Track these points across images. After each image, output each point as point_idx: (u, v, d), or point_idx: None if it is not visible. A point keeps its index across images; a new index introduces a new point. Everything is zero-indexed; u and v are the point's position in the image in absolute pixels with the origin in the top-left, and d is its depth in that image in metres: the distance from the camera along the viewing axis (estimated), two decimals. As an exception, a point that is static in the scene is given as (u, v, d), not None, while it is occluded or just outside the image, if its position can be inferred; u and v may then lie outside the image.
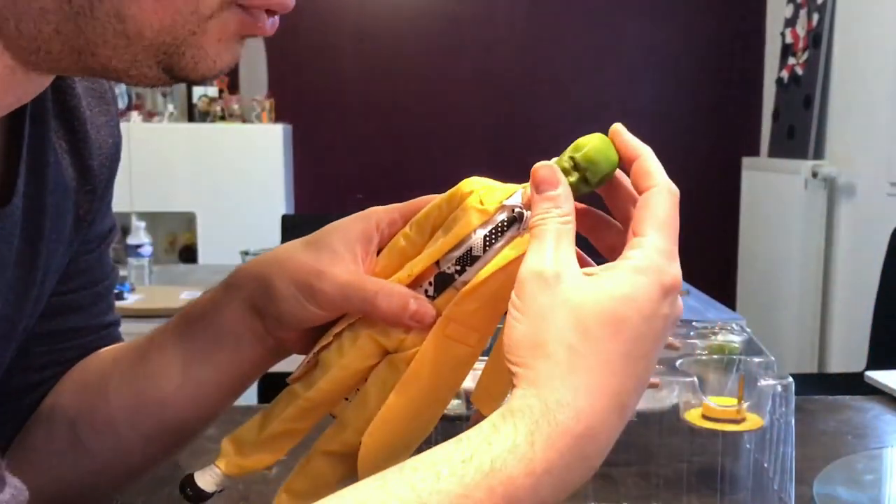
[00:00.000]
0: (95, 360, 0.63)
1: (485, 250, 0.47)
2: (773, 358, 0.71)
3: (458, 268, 0.48)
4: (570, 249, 0.43)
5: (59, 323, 0.61)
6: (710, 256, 3.91)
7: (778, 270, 3.37)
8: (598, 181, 0.47)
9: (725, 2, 3.91)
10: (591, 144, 0.47)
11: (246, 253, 2.55)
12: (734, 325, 0.87)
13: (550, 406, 0.39)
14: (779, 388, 0.66)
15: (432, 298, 0.49)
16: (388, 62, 3.92)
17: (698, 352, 0.84)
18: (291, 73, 3.88)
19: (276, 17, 0.44)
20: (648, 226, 0.43)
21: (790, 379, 0.67)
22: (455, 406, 0.76)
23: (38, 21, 0.39)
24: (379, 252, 0.53)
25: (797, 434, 0.67)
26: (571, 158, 0.47)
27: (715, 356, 0.79)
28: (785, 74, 3.54)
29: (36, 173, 0.51)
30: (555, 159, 0.48)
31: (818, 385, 2.46)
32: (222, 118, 3.68)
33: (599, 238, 0.50)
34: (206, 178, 3.59)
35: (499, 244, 0.46)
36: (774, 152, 3.59)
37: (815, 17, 3.29)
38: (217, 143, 3.62)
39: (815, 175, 3.12)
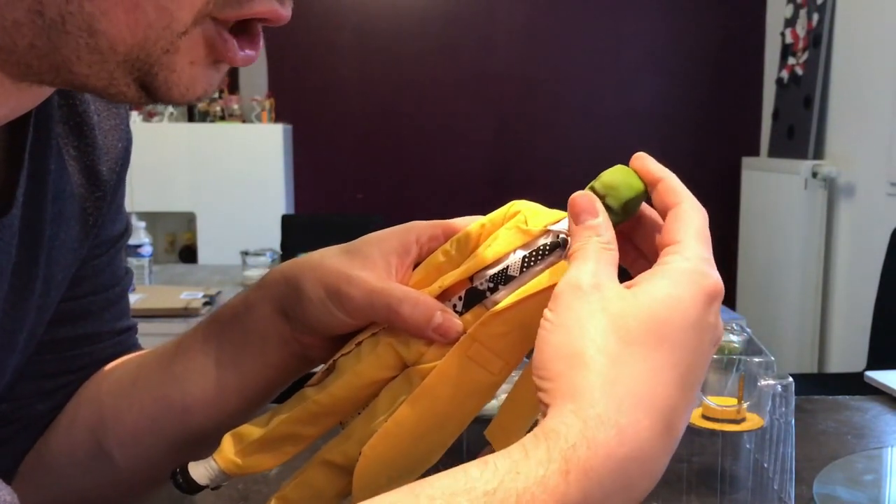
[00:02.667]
0: (117, 369, 0.63)
1: (521, 272, 0.45)
2: (772, 358, 0.71)
3: (492, 285, 0.46)
4: (611, 269, 0.41)
5: (69, 330, 0.60)
6: (710, 256, 3.91)
7: (778, 270, 3.37)
8: (622, 207, 0.45)
9: (725, 2, 3.91)
10: (609, 171, 0.45)
11: (246, 253, 2.54)
12: (734, 325, 0.87)
13: (589, 423, 0.35)
14: (779, 388, 0.66)
15: (460, 314, 0.47)
16: (388, 62, 3.92)
17: (698, 352, 0.84)
18: (291, 73, 3.88)
19: (254, 51, 0.42)
20: (685, 233, 0.41)
21: (790, 379, 0.67)
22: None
23: (13, 34, 0.38)
24: (416, 267, 0.51)
25: (797, 434, 0.67)
26: (591, 188, 0.45)
27: (715, 356, 0.79)
28: (785, 74, 3.55)
29: (36, 180, 0.51)
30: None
31: (818, 385, 2.46)
32: (222, 118, 3.68)
33: (632, 267, 0.48)
34: (206, 178, 3.59)
35: (537, 267, 0.44)
36: (774, 152, 3.59)
37: (815, 17, 3.29)
38: (217, 143, 3.62)
39: (814, 175, 3.12)
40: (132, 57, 0.39)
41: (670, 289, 0.39)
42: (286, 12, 0.42)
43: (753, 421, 0.66)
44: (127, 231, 0.64)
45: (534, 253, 0.45)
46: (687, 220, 0.42)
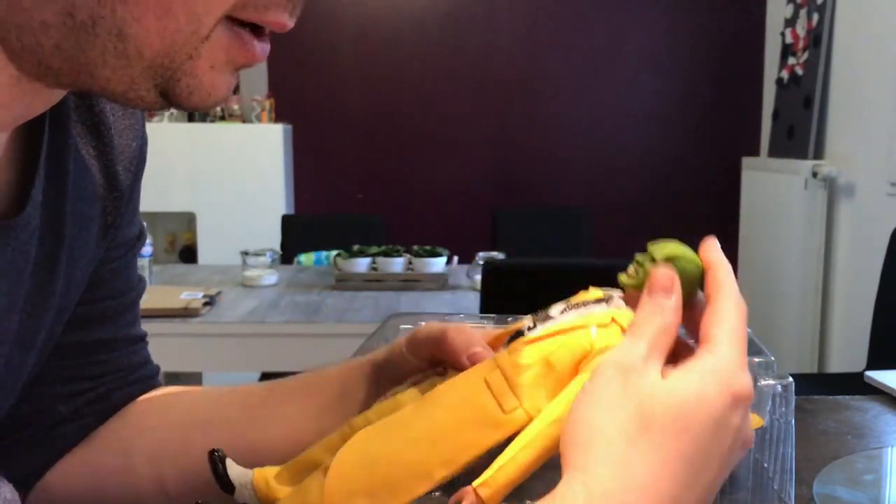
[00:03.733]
0: (182, 401, 0.65)
1: (560, 313, 0.46)
2: (772, 358, 0.71)
3: (531, 325, 0.46)
4: (661, 357, 0.42)
5: (86, 334, 0.61)
6: (710, 256, 3.91)
7: (778, 270, 3.37)
8: (683, 278, 0.44)
9: (725, 2, 3.91)
10: (672, 245, 0.45)
11: (246, 253, 2.55)
12: (734, 325, 0.87)
13: (594, 497, 0.37)
14: (779, 388, 0.66)
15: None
16: (388, 62, 3.92)
17: (698, 352, 0.84)
18: (291, 73, 3.88)
19: (267, 44, 0.43)
20: (721, 331, 0.42)
21: (790, 379, 0.67)
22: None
23: (39, 34, 0.39)
24: None
25: (797, 434, 0.67)
26: (651, 256, 0.45)
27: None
28: (785, 74, 3.55)
29: (55, 182, 0.51)
30: (638, 255, 0.46)
31: (818, 385, 2.46)
32: (222, 118, 3.68)
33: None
34: (206, 178, 3.59)
35: (576, 311, 0.45)
36: (774, 152, 3.59)
37: (815, 17, 3.29)
38: (217, 143, 3.62)
39: (815, 175, 3.13)
40: (156, 63, 0.40)
41: (698, 386, 0.40)
42: (291, 24, 0.43)
43: (753, 421, 0.66)
44: (142, 235, 0.65)
45: (578, 302, 0.46)
46: (724, 318, 0.43)
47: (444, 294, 2.41)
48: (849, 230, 3.12)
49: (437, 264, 2.49)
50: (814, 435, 0.96)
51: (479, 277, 2.07)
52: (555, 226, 3.43)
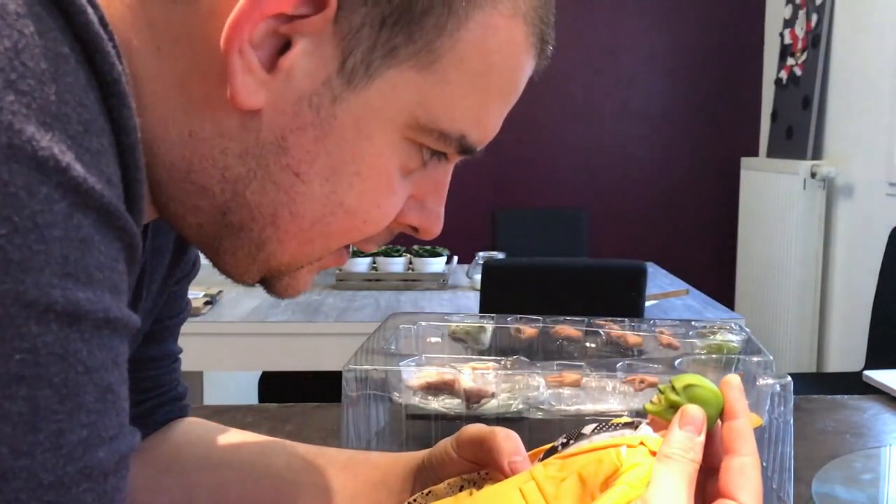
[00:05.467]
0: (235, 444, 0.66)
1: (592, 433, 0.48)
2: (771, 357, 0.71)
3: (565, 441, 0.49)
4: (688, 493, 0.43)
5: (141, 351, 0.63)
6: (708, 256, 3.92)
7: (776, 270, 3.37)
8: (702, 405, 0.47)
9: (725, 3, 3.91)
10: (696, 384, 0.48)
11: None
12: (733, 325, 0.88)
13: None
14: (777, 388, 0.67)
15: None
16: (387, 62, 3.92)
17: (697, 351, 0.84)
18: (291, 73, 3.88)
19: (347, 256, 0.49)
20: (746, 493, 0.44)
21: (789, 378, 0.67)
22: (455, 405, 0.77)
23: (188, 214, 0.43)
24: None
25: (795, 433, 0.68)
26: (675, 391, 0.48)
27: (714, 355, 0.80)
28: (784, 75, 3.55)
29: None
30: (663, 386, 0.49)
31: (816, 384, 2.47)
32: (222, 118, 3.69)
33: None
34: (205, 177, 3.60)
35: (607, 433, 0.48)
36: (773, 152, 3.60)
37: (814, 17, 3.30)
38: (217, 142, 3.62)
39: (813, 175, 3.13)
40: (274, 267, 0.45)
41: None
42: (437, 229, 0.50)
43: (752, 420, 0.66)
44: (198, 261, 0.68)
45: (608, 423, 0.48)
46: (750, 478, 0.45)
47: (444, 294, 2.42)
48: (847, 230, 3.12)
49: (437, 264, 2.49)
50: (812, 434, 0.97)
51: (478, 277, 2.07)
52: (555, 226, 3.43)
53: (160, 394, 0.67)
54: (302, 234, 0.43)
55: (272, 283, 0.46)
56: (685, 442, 0.44)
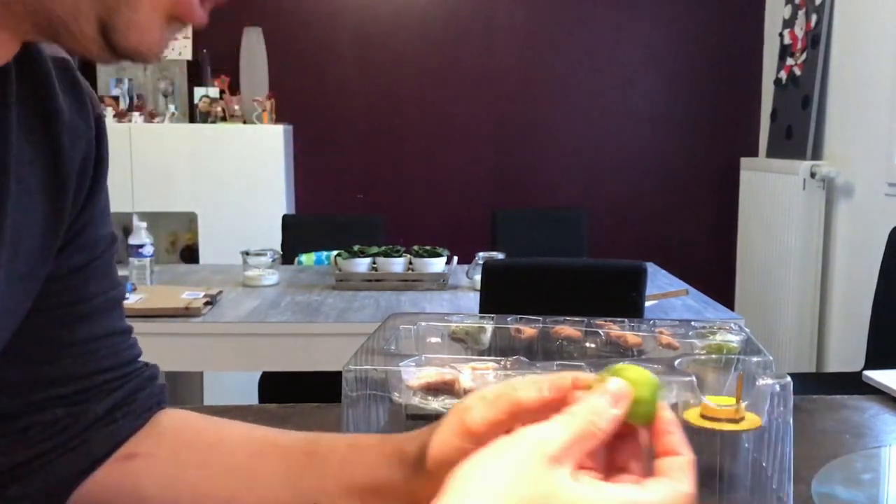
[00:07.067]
0: (225, 444, 0.65)
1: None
2: (771, 357, 0.71)
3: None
4: (577, 455, 0.42)
5: (87, 330, 0.62)
6: (708, 256, 3.92)
7: (776, 270, 3.37)
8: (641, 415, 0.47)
9: (724, 3, 3.91)
10: (635, 369, 0.47)
11: (247, 253, 2.55)
12: (732, 325, 0.88)
13: None
14: (777, 388, 0.67)
15: None
16: (388, 62, 3.92)
17: (697, 351, 0.84)
18: (291, 73, 3.88)
19: (207, 15, 0.45)
20: (685, 447, 0.45)
21: (788, 378, 0.67)
22: (450, 405, 0.77)
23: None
24: None
25: (795, 433, 0.68)
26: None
27: (713, 356, 0.80)
28: (783, 75, 3.55)
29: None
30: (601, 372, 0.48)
31: (816, 384, 2.47)
32: (223, 119, 3.68)
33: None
34: (207, 178, 3.59)
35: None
36: (773, 153, 3.60)
37: (814, 17, 3.30)
38: (218, 143, 3.62)
39: (813, 175, 3.13)
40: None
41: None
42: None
43: (752, 420, 0.66)
44: (115, 240, 0.66)
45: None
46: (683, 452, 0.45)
47: (444, 294, 2.42)
48: (847, 230, 3.12)
49: (437, 264, 2.49)
50: (812, 434, 0.97)
51: (478, 277, 2.08)
52: (554, 226, 3.43)
53: (130, 372, 0.65)
54: None
55: (112, 23, 0.42)
56: (595, 405, 0.44)
